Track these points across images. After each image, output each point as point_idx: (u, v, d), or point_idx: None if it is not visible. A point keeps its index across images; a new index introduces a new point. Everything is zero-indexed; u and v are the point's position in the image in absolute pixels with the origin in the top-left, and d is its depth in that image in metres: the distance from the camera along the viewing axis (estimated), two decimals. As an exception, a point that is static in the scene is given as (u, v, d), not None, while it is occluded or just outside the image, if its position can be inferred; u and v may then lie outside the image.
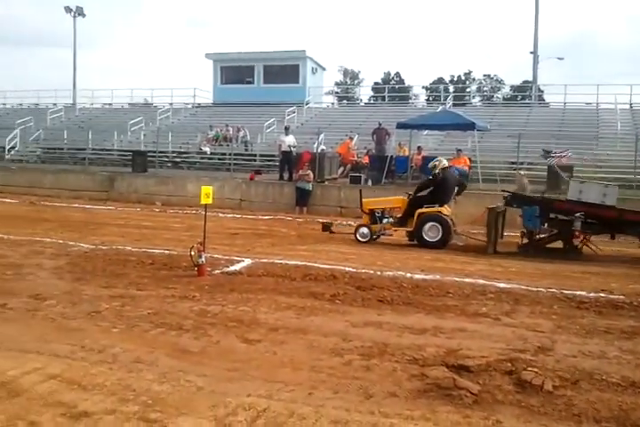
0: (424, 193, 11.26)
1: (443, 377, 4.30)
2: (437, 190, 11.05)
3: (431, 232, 10.70)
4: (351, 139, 21.88)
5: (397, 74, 64.02)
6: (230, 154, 21.68)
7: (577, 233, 10.02)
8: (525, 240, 10.45)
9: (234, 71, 34.16)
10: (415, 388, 4.17)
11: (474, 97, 46.60)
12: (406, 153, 19.48)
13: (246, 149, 24.28)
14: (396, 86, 52.12)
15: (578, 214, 9.95)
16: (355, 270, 8.09)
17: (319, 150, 19.71)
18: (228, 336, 5.19)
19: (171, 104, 33.73)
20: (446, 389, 4.12)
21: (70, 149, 27.02)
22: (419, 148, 19.71)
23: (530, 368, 4.40)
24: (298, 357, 4.72)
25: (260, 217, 15.00)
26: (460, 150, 18.39)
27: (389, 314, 6.06)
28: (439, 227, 10.64)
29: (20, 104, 38.32)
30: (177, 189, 18.58)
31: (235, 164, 20.83)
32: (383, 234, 11.42)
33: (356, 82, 65.91)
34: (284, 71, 32.81)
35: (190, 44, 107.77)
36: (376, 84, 55.97)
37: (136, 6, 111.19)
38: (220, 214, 14.30)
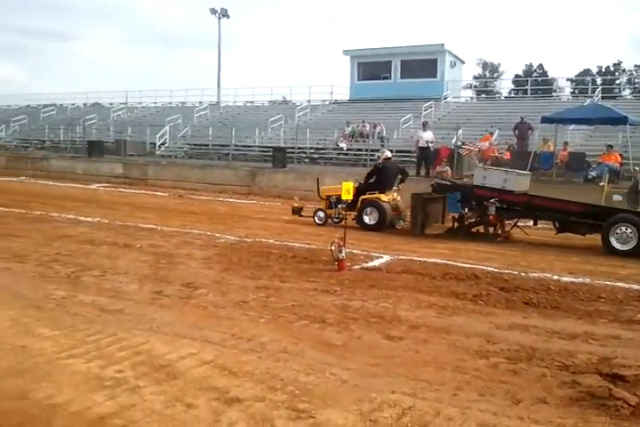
0: (371, 181, 12.27)
1: (597, 386, 4.09)
2: (378, 179, 12.09)
3: (370, 216, 11.75)
4: (491, 134, 21.25)
5: (540, 66, 61.26)
6: (367, 150, 21.78)
7: (491, 218, 10.63)
8: (457, 224, 11.19)
9: (371, 67, 34.20)
10: (566, 395, 3.99)
11: (624, 89, 43.57)
12: (551, 149, 18.60)
13: (382, 145, 24.22)
14: (539, 79, 49.79)
15: (492, 200, 10.58)
16: (497, 270, 7.85)
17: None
18: (370, 332, 5.23)
19: (309, 101, 34.41)
20: (601, 398, 3.91)
21: (215, 146, 28.35)
22: (565, 143, 18.78)
23: (694, 382, 4.07)
24: (441, 356, 4.67)
25: (397, 213, 14.96)
26: (610, 146, 17.32)
27: (536, 317, 5.82)
28: (376, 211, 11.56)
29: (170, 103, 40.64)
30: (314, 184, 18.85)
31: (371, 159, 20.88)
32: (339, 218, 12.22)
33: (495, 75, 63.84)
34: (422, 66, 32.34)
35: (329, 40, 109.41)
36: (517, 76, 53.91)
37: (275, 5, 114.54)
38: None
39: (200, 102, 38.59)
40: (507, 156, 19.23)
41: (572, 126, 21.51)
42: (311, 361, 4.45)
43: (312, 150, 25.35)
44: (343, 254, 7.60)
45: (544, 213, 10.89)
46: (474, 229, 11.11)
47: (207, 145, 29.02)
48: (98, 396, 3.75)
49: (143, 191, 19.72)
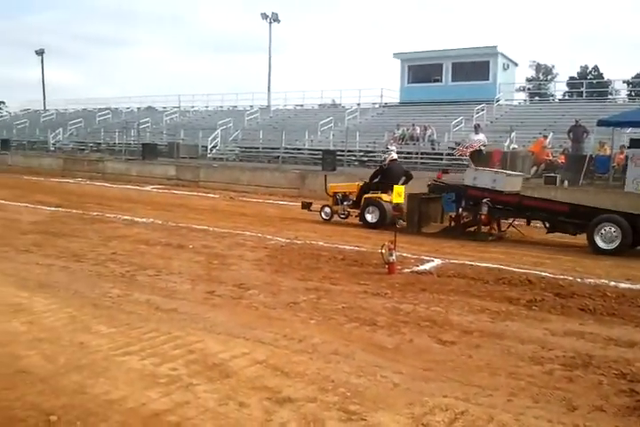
0: (375, 180, 12.88)
1: (656, 396, 3.97)
2: (382, 179, 12.60)
3: (372, 214, 12.29)
4: (545, 137, 20.86)
5: (595, 68, 59.87)
6: (417, 153, 21.67)
7: (483, 217, 11.12)
8: (453, 223, 11.66)
9: (421, 70, 33.98)
10: (624, 404, 3.88)
11: (685, 91, 42.06)
12: (607, 152, 18.14)
13: (433, 148, 24.11)
14: (594, 81, 48.61)
15: (484, 200, 11.00)
16: (552, 276, 7.67)
17: (510, 149, 19.01)
18: (422, 336, 5.19)
19: (358, 104, 34.42)
20: (661, 408, 3.79)
21: (265, 149, 28.64)
22: (622, 147, 18.28)
23: None
24: (494, 362, 4.59)
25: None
26: (669, 149, 16.74)
27: (592, 324, 5.67)
28: (378, 210, 12.08)
29: (221, 106, 41.25)
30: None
31: (421, 163, 20.78)
32: (344, 214, 13.22)
33: (549, 77, 62.64)
34: (474, 68, 31.98)
35: (378, 44, 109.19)
36: (572, 79, 52.82)
37: (326, 10, 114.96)
38: (407, 213, 14.28)
39: (251, 106, 39.07)
40: (561, 159, 18.85)
41: (630, 129, 20.94)
42: (362, 363, 4.44)
43: (361, 153, 25.34)
44: (394, 257, 7.57)
45: (534, 213, 11.22)
46: (471, 229, 11.45)
47: (257, 148, 29.34)
48: (153, 393, 3.83)
49: (195, 193, 20.01)
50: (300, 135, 28.52)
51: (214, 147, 30.01)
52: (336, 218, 13.28)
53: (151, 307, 5.85)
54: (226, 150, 30.05)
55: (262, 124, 33.78)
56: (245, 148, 29.90)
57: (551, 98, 40.89)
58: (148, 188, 21.68)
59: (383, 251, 7.67)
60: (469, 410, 3.68)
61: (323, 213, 13.45)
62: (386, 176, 12.61)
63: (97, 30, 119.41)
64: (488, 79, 31.39)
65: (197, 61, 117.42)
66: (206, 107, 42.03)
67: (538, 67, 64.73)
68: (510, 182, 11.54)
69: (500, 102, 29.97)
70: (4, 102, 66.80)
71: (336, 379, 4.12)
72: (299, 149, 27.50)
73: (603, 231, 9.89)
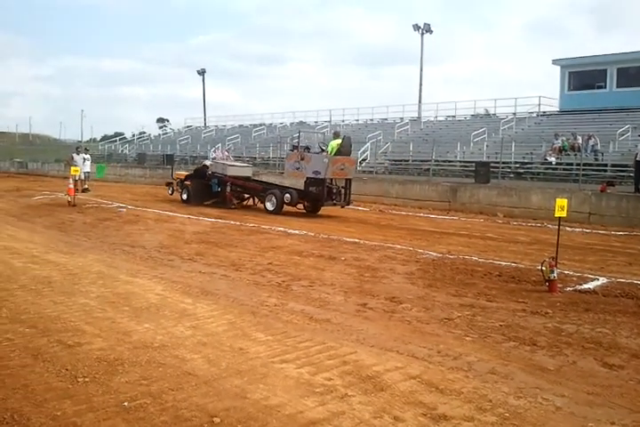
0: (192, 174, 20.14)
1: None
2: (194, 174, 19.81)
3: (185, 195, 19.49)
4: None
5: None
6: (578, 164, 20.50)
7: (228, 194, 18.05)
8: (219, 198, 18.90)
9: (583, 76, 32.25)
10: None
11: None
12: None
13: (596, 159, 22.67)
14: None
15: (229, 183, 18.10)
16: None
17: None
18: (586, 358, 4.88)
19: (514, 114, 33.25)
20: None
21: (415, 161, 28.42)
22: None
23: None
24: (669, 390, 4.21)
25: (613, 233, 13.85)
26: None
27: None
28: (187, 192, 19.40)
29: (371, 119, 41.62)
30: (520, 200, 18.19)
31: (583, 174, 19.62)
32: (180, 193, 19.91)
33: None
34: (642, 73, 29.82)
35: (536, 51, 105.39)
36: None
37: (479, 19, 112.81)
38: (567, 228, 13.55)
39: (401, 118, 39.04)
40: None
41: None
42: (521, 384, 4.25)
43: (517, 165, 24.40)
44: (555, 275, 7.18)
45: (252, 192, 18.32)
46: (245, 203, 18.89)
47: (407, 160, 29.16)
48: (309, 401, 3.89)
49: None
50: (451, 147, 28.03)
51: (364, 160, 30.21)
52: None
53: (306, 317, 5.98)
54: (375, 163, 30.19)
55: (412, 137, 33.60)
56: (395, 160, 29.86)
57: None
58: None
59: (544, 268, 7.30)
60: (641, 441, 3.41)
61: (169, 191, 20.91)
62: (196, 173, 19.69)
63: (253, 49, 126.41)
64: (658, 84, 29.09)
65: (348, 75, 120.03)
66: (357, 120, 42.58)
67: None
68: (234, 170, 18.47)
69: (671, 109, 27.61)
70: (168, 120, 72.21)
71: (494, 399, 3.97)
72: (450, 162, 27.00)
73: (270, 199, 16.83)
